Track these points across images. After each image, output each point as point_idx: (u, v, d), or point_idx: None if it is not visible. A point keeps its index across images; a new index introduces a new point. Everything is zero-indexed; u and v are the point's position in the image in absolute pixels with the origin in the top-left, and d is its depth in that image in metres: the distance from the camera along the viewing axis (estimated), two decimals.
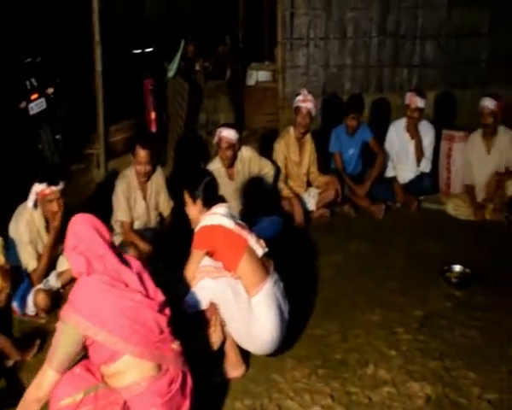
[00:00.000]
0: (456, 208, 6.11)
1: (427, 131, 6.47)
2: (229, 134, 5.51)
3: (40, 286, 4.38)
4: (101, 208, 4.77)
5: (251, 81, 8.37)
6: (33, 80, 6.29)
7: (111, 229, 4.64)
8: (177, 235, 4.81)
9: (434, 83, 7.82)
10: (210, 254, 3.63)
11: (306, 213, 6.05)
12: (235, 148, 5.56)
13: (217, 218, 3.64)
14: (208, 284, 3.54)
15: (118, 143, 6.91)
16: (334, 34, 7.60)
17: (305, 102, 6.02)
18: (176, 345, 2.98)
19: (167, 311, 3.00)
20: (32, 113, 6.21)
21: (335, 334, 4.08)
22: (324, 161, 6.49)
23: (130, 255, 3.86)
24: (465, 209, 6.06)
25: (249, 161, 5.73)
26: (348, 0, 7.55)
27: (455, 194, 6.34)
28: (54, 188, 4.32)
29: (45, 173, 4.39)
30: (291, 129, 6.20)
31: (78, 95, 6.94)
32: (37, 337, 3.98)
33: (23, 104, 6.16)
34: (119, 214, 5.08)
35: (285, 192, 6.05)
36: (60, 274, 4.47)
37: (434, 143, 6.51)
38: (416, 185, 6.48)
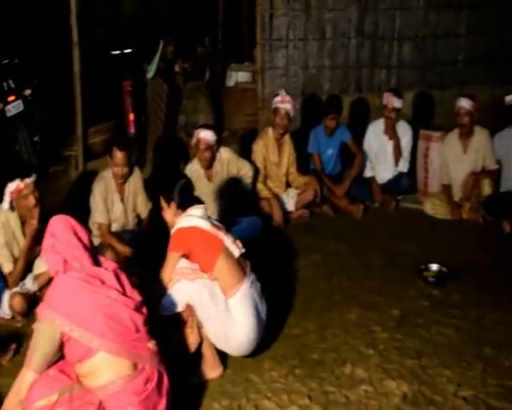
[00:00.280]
0: (434, 208, 6.17)
1: (404, 131, 6.52)
2: (207, 135, 5.49)
3: (16, 289, 4.34)
4: (79, 209, 4.75)
5: (230, 82, 8.39)
6: (10, 82, 6.26)
7: (89, 231, 4.61)
8: (155, 236, 4.80)
9: (412, 83, 7.87)
10: (186, 256, 3.62)
11: (285, 213, 6.06)
12: (213, 149, 5.55)
13: (192, 220, 3.64)
14: (185, 285, 3.53)
15: (96, 144, 6.87)
16: (313, 35, 7.62)
17: (284, 103, 6.03)
18: (152, 344, 2.98)
19: (144, 310, 3.01)
20: (9, 115, 6.18)
21: (313, 333, 4.10)
22: (303, 162, 6.50)
23: (108, 258, 3.88)
24: (442, 209, 6.12)
25: (228, 162, 5.71)
26: (327, 1, 7.57)
27: (432, 193, 6.38)
28: (27, 180, 4.27)
29: (16, 171, 4.36)
30: (270, 130, 6.20)
31: (56, 96, 6.90)
32: (13, 341, 3.93)
33: (0, 106, 6.12)
34: (97, 216, 5.06)
35: (264, 193, 6.05)
36: (36, 277, 4.43)
37: (412, 143, 6.56)
38: (394, 185, 6.52)
